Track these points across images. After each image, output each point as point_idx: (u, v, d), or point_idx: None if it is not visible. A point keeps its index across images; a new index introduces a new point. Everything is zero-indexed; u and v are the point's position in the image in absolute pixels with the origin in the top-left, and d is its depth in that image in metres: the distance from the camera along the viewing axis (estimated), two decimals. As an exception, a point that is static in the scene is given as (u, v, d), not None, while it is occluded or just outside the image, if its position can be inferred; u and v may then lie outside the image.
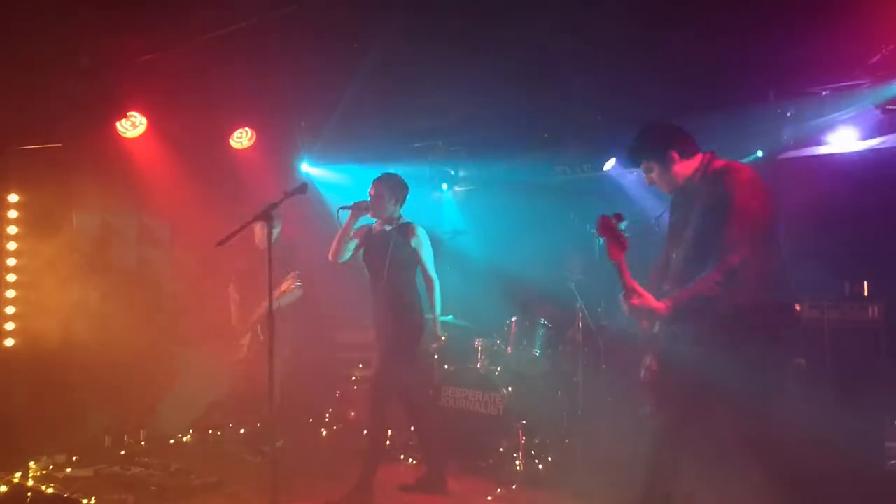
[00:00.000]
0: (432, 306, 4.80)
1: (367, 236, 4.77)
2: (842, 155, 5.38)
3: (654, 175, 3.26)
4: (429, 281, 4.78)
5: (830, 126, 5.31)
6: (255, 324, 5.71)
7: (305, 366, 6.23)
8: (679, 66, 4.83)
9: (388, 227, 4.70)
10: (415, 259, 4.68)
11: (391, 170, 4.89)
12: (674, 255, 3.21)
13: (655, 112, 5.49)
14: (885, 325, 4.62)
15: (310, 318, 6.20)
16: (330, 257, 4.69)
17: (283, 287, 5.65)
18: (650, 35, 4.56)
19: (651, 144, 3.27)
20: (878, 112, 4.89)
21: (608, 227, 3.06)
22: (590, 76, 5.28)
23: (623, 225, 3.08)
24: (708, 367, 2.98)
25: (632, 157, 3.39)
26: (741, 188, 2.99)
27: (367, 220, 4.80)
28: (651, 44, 4.67)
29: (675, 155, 3.21)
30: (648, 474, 3.17)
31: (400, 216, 4.74)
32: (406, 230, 4.67)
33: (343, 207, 4.60)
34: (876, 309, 4.66)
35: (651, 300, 2.98)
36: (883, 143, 5.28)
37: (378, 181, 4.70)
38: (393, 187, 4.68)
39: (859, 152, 5.35)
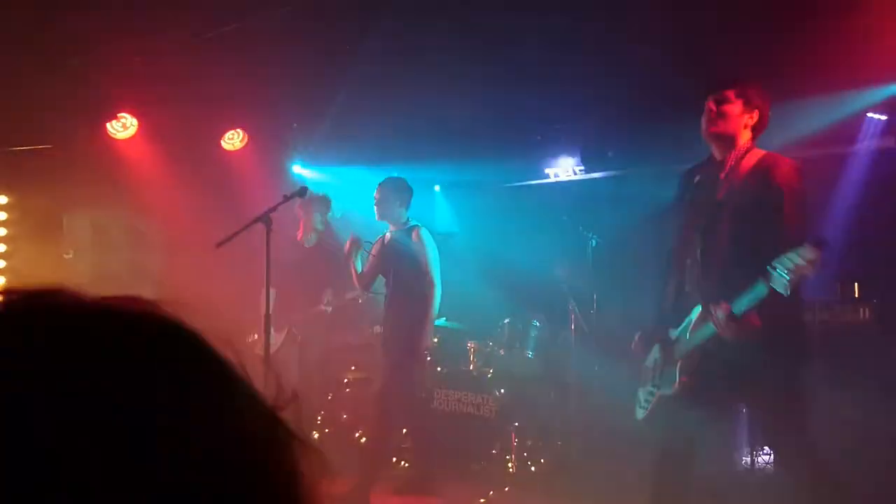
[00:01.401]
0: (423, 308, 4.63)
1: (381, 245, 4.77)
2: (831, 157, 5.41)
3: (718, 110, 2.91)
4: (429, 285, 4.65)
5: (819, 128, 5.33)
6: (292, 324, 5.59)
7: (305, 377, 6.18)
8: (677, 63, 4.84)
9: (395, 232, 4.70)
10: (416, 262, 4.62)
11: (384, 172, 4.89)
12: (699, 252, 2.96)
13: (648, 113, 5.53)
14: (876, 327, 4.64)
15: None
16: (361, 287, 4.82)
17: (326, 298, 5.59)
18: (635, 34, 4.57)
19: (756, 87, 2.98)
20: (865, 115, 4.91)
21: None
22: (583, 77, 5.31)
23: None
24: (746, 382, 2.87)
25: (726, 79, 2.99)
26: (800, 181, 2.84)
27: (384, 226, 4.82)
28: (636, 43, 4.69)
29: (757, 116, 2.93)
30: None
31: (408, 220, 4.72)
32: (409, 233, 4.65)
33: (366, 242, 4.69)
34: (867, 310, 4.67)
35: (756, 320, 2.72)
36: (871, 144, 5.31)
37: (382, 185, 4.70)
38: (396, 190, 4.67)
39: (849, 154, 5.38)
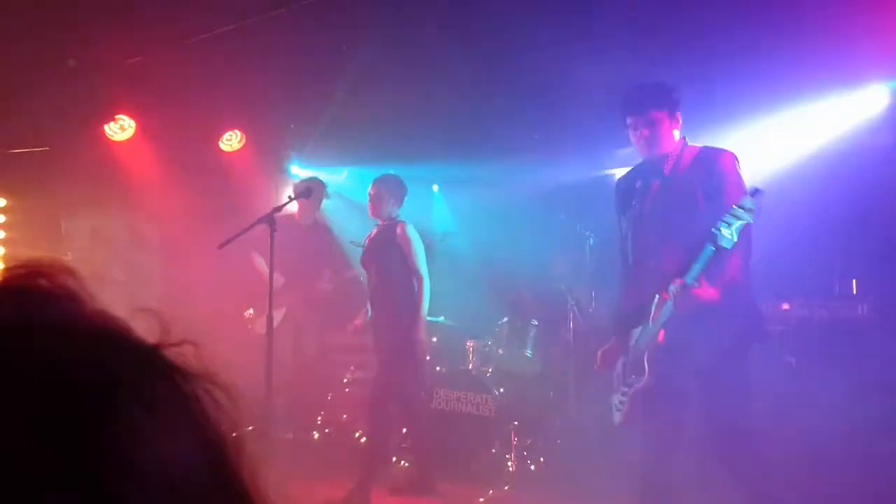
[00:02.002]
0: (415, 307, 4.59)
1: (368, 241, 4.76)
2: (829, 153, 5.41)
3: (653, 130, 3.04)
4: (417, 279, 4.62)
5: (817, 123, 5.34)
6: (292, 303, 5.60)
7: (299, 367, 6.19)
8: (676, 60, 4.83)
9: (382, 228, 4.68)
10: (402, 256, 4.56)
11: (381, 171, 4.87)
12: (640, 248, 3.12)
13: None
14: (875, 324, 4.64)
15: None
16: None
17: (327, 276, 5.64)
18: (634, 31, 4.57)
19: (670, 94, 3.10)
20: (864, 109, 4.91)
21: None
22: (580, 76, 5.30)
23: None
24: (708, 363, 2.93)
25: (647, 98, 3.09)
26: (736, 169, 2.99)
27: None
28: (635, 40, 4.68)
29: (679, 117, 3.11)
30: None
31: (396, 216, 4.69)
32: (393, 227, 4.60)
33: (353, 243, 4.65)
34: (865, 307, 4.68)
35: (709, 289, 2.86)
36: (875, 139, 5.31)
37: (377, 182, 4.67)
38: (392, 188, 4.64)
39: (847, 150, 5.38)
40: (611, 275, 5.88)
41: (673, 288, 2.89)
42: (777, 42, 4.46)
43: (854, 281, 4.77)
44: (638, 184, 3.18)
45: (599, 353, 3.35)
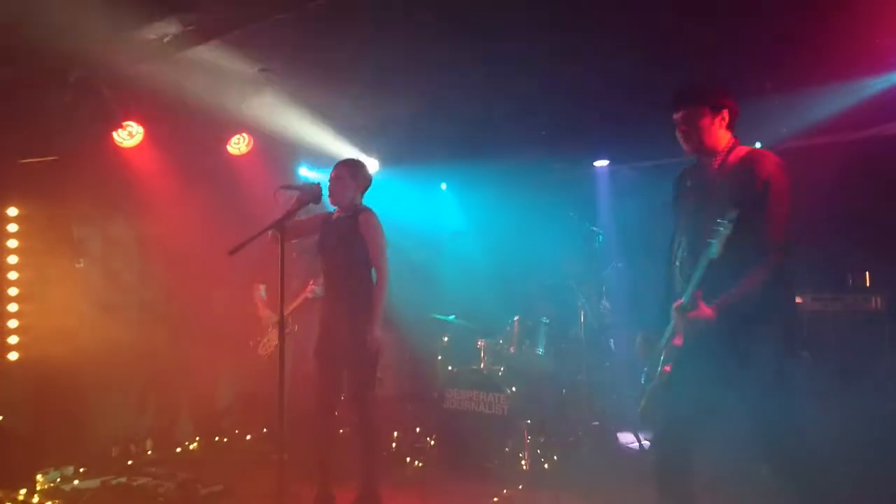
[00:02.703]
0: (374, 302, 4.16)
1: (325, 224, 4.31)
2: (842, 145, 5.37)
3: (691, 126, 3.01)
4: (378, 272, 4.22)
5: (829, 116, 5.29)
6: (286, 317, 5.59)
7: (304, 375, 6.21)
8: (675, 58, 4.81)
9: (343, 216, 4.30)
10: (364, 247, 4.20)
11: (390, 171, 4.83)
12: (682, 249, 3.07)
13: (652, 104, 5.49)
14: (888, 316, 4.61)
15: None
16: (269, 237, 4.00)
17: (320, 279, 5.63)
18: (645, 27, 4.54)
19: (713, 90, 3.07)
20: (874, 102, 4.86)
21: None
22: (586, 72, 5.28)
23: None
24: (727, 373, 2.88)
25: (686, 96, 3.06)
26: (777, 174, 2.88)
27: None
28: (647, 35, 4.66)
29: (728, 115, 3.05)
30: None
31: (357, 201, 4.33)
32: (357, 215, 4.23)
33: (284, 187, 3.93)
34: (878, 299, 4.65)
35: (705, 308, 2.83)
36: (882, 132, 5.27)
37: (341, 164, 4.32)
38: (356, 173, 4.29)
39: (859, 142, 5.34)
40: (621, 271, 5.90)
41: (673, 311, 2.94)
42: (788, 31, 4.42)
43: (867, 273, 4.74)
44: (688, 182, 3.17)
45: (639, 338, 3.31)
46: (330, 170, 4.25)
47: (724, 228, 2.74)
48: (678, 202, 3.19)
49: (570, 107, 5.88)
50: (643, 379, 3.18)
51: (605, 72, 5.25)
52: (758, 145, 5.42)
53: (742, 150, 3.03)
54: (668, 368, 3.02)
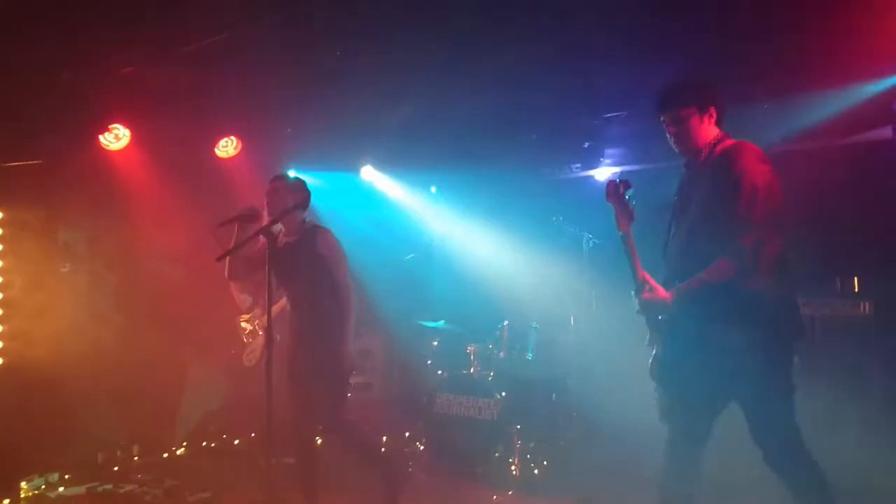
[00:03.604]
0: (344, 322, 4.00)
1: (272, 250, 3.76)
2: (833, 149, 5.39)
3: (680, 127, 3.04)
4: (338, 289, 4.01)
5: (819, 121, 5.31)
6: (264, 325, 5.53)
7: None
8: (666, 63, 4.82)
9: (293, 239, 4.07)
10: (326, 268, 3.99)
11: (380, 174, 4.78)
12: (671, 241, 3.10)
13: (642, 106, 5.51)
14: (876, 321, 4.63)
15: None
16: (226, 275, 4.01)
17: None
18: (637, 30, 4.55)
19: (700, 89, 3.09)
20: (864, 108, 4.89)
21: (616, 194, 2.98)
22: (576, 75, 5.29)
23: (630, 193, 2.97)
24: (711, 363, 2.90)
25: (672, 97, 3.08)
26: (751, 165, 2.85)
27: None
28: (638, 39, 4.66)
29: (714, 112, 3.07)
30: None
31: (304, 221, 4.10)
32: (313, 236, 4.02)
33: (219, 225, 3.69)
34: (867, 305, 4.67)
35: (661, 291, 2.92)
36: (871, 137, 5.30)
37: (276, 179, 4.06)
38: (293, 189, 4.01)
39: (850, 147, 5.36)
40: (611, 276, 5.89)
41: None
42: (779, 37, 4.44)
43: (856, 279, 4.76)
44: (682, 177, 3.22)
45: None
46: (318, 173, 4.17)
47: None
48: (675, 198, 3.20)
49: (561, 110, 5.88)
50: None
51: (596, 76, 5.26)
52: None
53: (727, 143, 3.04)
54: (657, 351, 3.10)
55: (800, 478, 2.89)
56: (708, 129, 3.08)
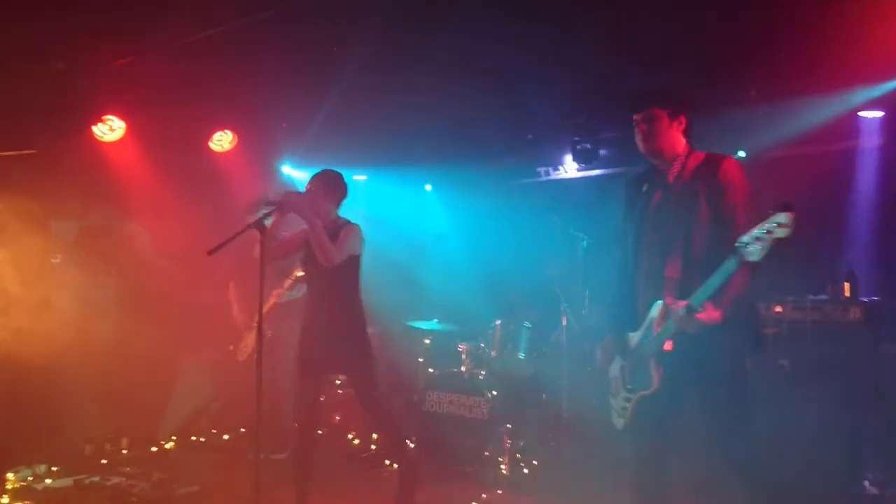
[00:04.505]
0: (363, 309, 4.20)
1: (307, 241, 4.09)
2: (826, 155, 5.41)
3: (650, 126, 3.07)
4: (359, 279, 4.20)
5: (811, 127, 5.34)
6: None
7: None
8: (661, 65, 4.83)
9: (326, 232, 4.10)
10: (353, 261, 4.12)
11: (375, 172, 4.78)
12: (651, 256, 3.07)
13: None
14: (867, 326, 4.65)
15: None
16: (258, 256, 3.92)
17: (287, 283, 5.56)
18: (630, 33, 4.56)
19: (673, 95, 3.15)
20: (855, 115, 4.92)
21: None
22: (574, 77, 5.30)
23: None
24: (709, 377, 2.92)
25: (648, 96, 3.13)
26: (737, 178, 2.95)
27: None
28: (630, 42, 4.68)
29: (685, 120, 3.12)
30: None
31: (337, 217, 4.20)
32: (338, 231, 4.11)
33: (253, 205, 3.78)
34: (858, 310, 4.69)
35: (713, 311, 2.82)
36: (860, 143, 5.33)
37: (315, 176, 4.17)
38: (329, 184, 4.14)
39: (843, 152, 5.39)
40: (603, 276, 5.90)
41: (677, 311, 2.87)
42: (767, 40, 4.46)
43: (846, 284, 4.78)
44: (644, 187, 3.20)
45: (599, 350, 3.35)
46: (313, 168, 4.14)
47: (774, 232, 2.59)
48: (637, 207, 3.19)
49: (557, 111, 5.89)
50: (628, 387, 3.13)
51: (593, 77, 5.27)
52: (741, 154, 5.47)
53: (700, 155, 3.10)
54: (661, 371, 2.99)
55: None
56: (676, 137, 3.12)
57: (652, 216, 3.11)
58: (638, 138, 3.14)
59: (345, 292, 4.14)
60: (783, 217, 2.58)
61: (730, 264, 2.72)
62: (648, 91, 3.17)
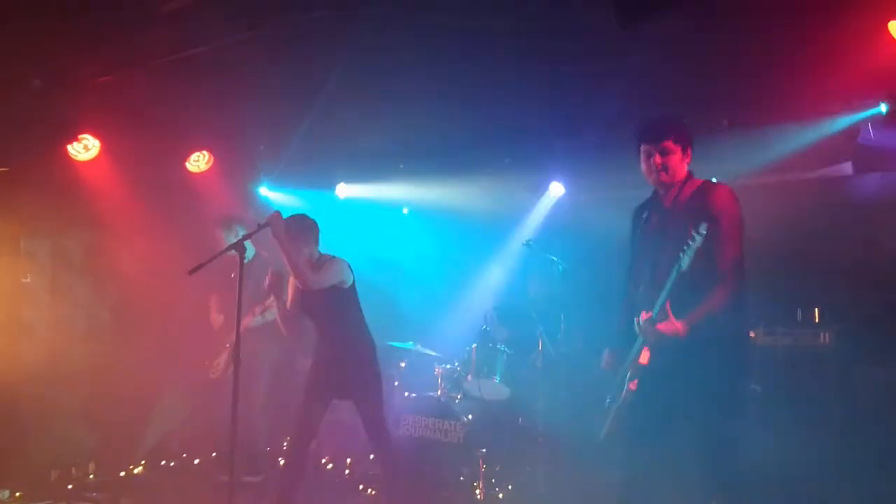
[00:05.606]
0: (371, 335, 4.48)
1: (297, 290, 4.33)
2: (794, 184, 5.53)
3: (664, 161, 3.15)
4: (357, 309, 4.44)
5: (782, 156, 5.45)
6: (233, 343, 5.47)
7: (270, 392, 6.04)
8: (637, 93, 4.91)
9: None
10: (347, 294, 4.32)
11: (352, 194, 4.74)
12: (645, 276, 3.17)
13: (614, 136, 5.61)
14: (836, 352, 4.73)
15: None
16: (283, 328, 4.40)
17: (257, 309, 5.50)
18: (609, 60, 4.63)
19: (687, 129, 3.24)
20: (826, 144, 5.04)
21: None
22: (550, 102, 5.36)
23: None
24: (689, 394, 2.97)
25: (666, 129, 3.19)
26: (734, 204, 3.06)
27: None
28: (608, 69, 4.75)
29: (690, 154, 3.22)
30: None
31: (321, 255, 4.34)
32: (325, 271, 4.24)
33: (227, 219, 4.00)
34: (827, 335, 4.77)
35: (675, 322, 2.95)
36: (833, 171, 5.45)
37: (285, 226, 4.14)
38: (299, 230, 4.22)
39: (812, 180, 5.51)
40: (580, 301, 5.94)
41: (639, 321, 3.05)
42: (741, 68, 4.56)
43: (817, 310, 4.87)
44: (644, 214, 3.31)
45: (606, 352, 3.43)
46: (291, 190, 4.18)
47: (694, 242, 2.87)
48: (636, 233, 3.32)
49: (534, 135, 5.95)
50: (608, 399, 3.23)
51: (567, 103, 5.34)
52: (713, 180, 5.56)
53: (695, 182, 3.20)
54: (633, 386, 3.09)
55: None
56: (683, 168, 3.22)
57: (647, 239, 3.24)
58: (647, 168, 3.22)
59: (345, 323, 4.33)
60: (703, 227, 2.86)
61: (671, 275, 2.92)
62: (667, 123, 3.22)
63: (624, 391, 3.12)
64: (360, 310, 4.43)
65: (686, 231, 2.96)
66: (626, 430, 3.16)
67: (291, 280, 4.34)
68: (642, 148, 3.23)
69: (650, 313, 3.02)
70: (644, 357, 3.05)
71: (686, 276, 2.92)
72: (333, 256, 4.34)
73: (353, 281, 4.35)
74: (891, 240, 4.85)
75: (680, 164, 3.20)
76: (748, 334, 3.20)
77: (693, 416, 3.02)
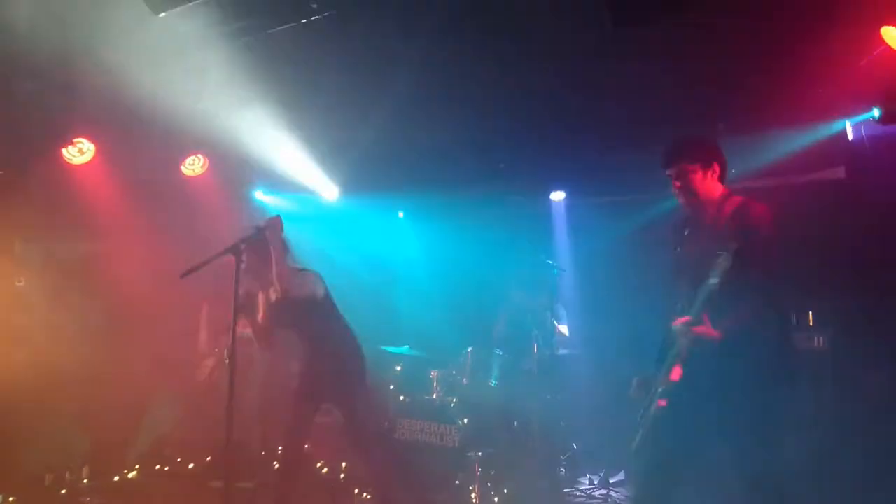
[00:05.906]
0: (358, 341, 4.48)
1: (270, 299, 4.22)
2: (789, 188, 5.55)
3: (684, 181, 3.19)
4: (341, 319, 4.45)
5: (775, 160, 5.47)
6: (223, 348, 5.49)
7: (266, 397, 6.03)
8: (631, 98, 4.93)
9: (288, 290, 4.14)
10: (330, 306, 4.34)
11: (347, 198, 4.73)
12: (686, 292, 3.15)
13: (609, 143, 5.63)
14: (831, 355, 4.75)
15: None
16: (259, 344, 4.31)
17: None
18: (604, 67, 4.65)
19: (703, 146, 3.25)
20: (819, 148, 5.06)
21: None
22: (544, 108, 5.38)
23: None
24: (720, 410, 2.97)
25: (677, 153, 3.23)
26: (769, 223, 3.07)
27: None
28: (605, 76, 4.77)
29: (718, 168, 3.22)
30: None
31: (295, 265, 4.26)
32: (304, 282, 4.22)
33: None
34: (821, 339, 4.79)
35: (710, 328, 2.96)
36: (826, 176, 5.47)
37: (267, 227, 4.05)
38: (281, 233, 4.08)
39: (806, 185, 5.53)
40: (575, 304, 5.95)
41: (677, 326, 3.04)
42: (737, 74, 4.58)
43: (811, 314, 4.88)
44: (686, 232, 3.31)
45: (635, 382, 3.36)
46: (286, 194, 4.16)
47: (723, 260, 2.88)
48: (678, 250, 3.31)
49: (529, 140, 5.96)
50: (639, 416, 3.18)
51: (562, 109, 5.35)
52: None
53: (736, 200, 3.20)
54: (663, 403, 3.04)
55: None
56: (712, 185, 3.23)
57: (686, 257, 3.24)
58: (674, 193, 3.26)
59: (327, 332, 4.29)
60: (732, 247, 2.88)
61: (705, 286, 2.93)
62: (677, 146, 3.25)
63: (653, 408, 3.08)
64: (342, 317, 4.40)
65: (722, 248, 2.98)
66: (653, 448, 3.12)
67: (261, 296, 4.21)
68: (667, 173, 3.27)
69: (687, 318, 3.02)
70: (676, 374, 3.02)
71: (719, 293, 2.92)
72: (304, 268, 4.31)
73: (327, 291, 4.31)
74: (884, 244, 4.87)
75: (703, 182, 3.21)
76: (787, 345, 3.14)
77: (727, 437, 3.02)
